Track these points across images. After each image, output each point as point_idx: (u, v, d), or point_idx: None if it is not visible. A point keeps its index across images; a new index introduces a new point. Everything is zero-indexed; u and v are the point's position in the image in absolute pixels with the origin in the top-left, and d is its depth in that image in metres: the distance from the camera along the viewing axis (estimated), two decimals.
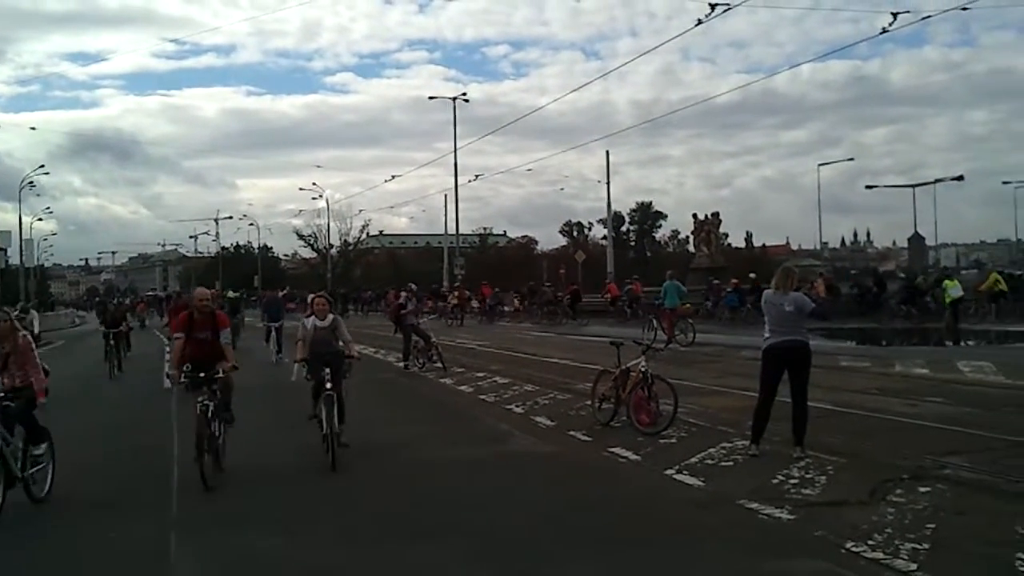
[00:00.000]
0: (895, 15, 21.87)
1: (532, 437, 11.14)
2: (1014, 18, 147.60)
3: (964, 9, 23.75)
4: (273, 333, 24.01)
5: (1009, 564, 5.68)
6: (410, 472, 9.37)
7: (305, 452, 9.90)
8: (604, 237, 68.98)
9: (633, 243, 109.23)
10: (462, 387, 16.38)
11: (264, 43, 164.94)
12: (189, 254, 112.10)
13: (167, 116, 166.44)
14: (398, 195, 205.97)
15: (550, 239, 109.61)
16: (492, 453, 10.33)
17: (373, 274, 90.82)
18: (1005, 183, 74.48)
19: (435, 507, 7.86)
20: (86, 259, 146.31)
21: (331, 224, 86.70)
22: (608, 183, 55.22)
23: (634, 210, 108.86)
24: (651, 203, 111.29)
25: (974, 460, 8.71)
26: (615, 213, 75.00)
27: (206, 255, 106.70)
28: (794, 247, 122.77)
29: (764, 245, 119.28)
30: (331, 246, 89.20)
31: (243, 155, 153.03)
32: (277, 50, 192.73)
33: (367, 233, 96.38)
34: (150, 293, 69.40)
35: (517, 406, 13.53)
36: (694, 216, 48.44)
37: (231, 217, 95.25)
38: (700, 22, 24.71)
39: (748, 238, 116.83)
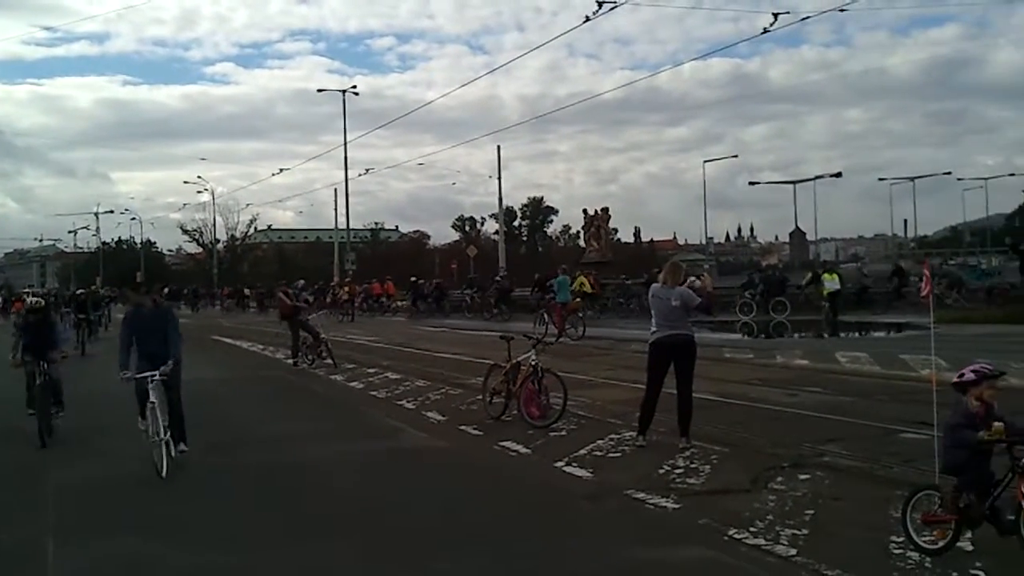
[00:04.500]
0: (776, 15, 22.46)
1: (423, 432, 11.09)
2: (887, 19, 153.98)
3: (842, 10, 24.52)
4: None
5: (883, 547, 5.89)
6: (298, 470, 9.20)
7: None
8: (496, 232, 69.08)
9: (525, 238, 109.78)
10: (353, 383, 16.21)
11: (140, 31, 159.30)
12: (68, 250, 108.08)
13: (38, 106, 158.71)
14: (284, 189, 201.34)
15: (441, 234, 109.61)
16: (383, 449, 10.25)
17: (261, 270, 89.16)
18: (881, 179, 78.01)
19: (323, 505, 7.76)
20: None
21: (216, 218, 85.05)
22: (499, 178, 55.39)
23: (526, 205, 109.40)
24: (542, 198, 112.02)
25: (851, 447, 9.03)
26: (507, 208, 75.19)
27: (86, 250, 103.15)
28: (681, 242, 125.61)
29: (652, 240, 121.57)
30: (217, 241, 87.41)
31: (118, 147, 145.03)
32: (153, 39, 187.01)
33: (255, 228, 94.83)
34: (27, 290, 66.33)
35: (408, 401, 13.46)
36: (584, 211, 49.11)
37: (112, 211, 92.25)
38: (588, 19, 24.96)
39: (636, 233, 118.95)
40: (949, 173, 75.88)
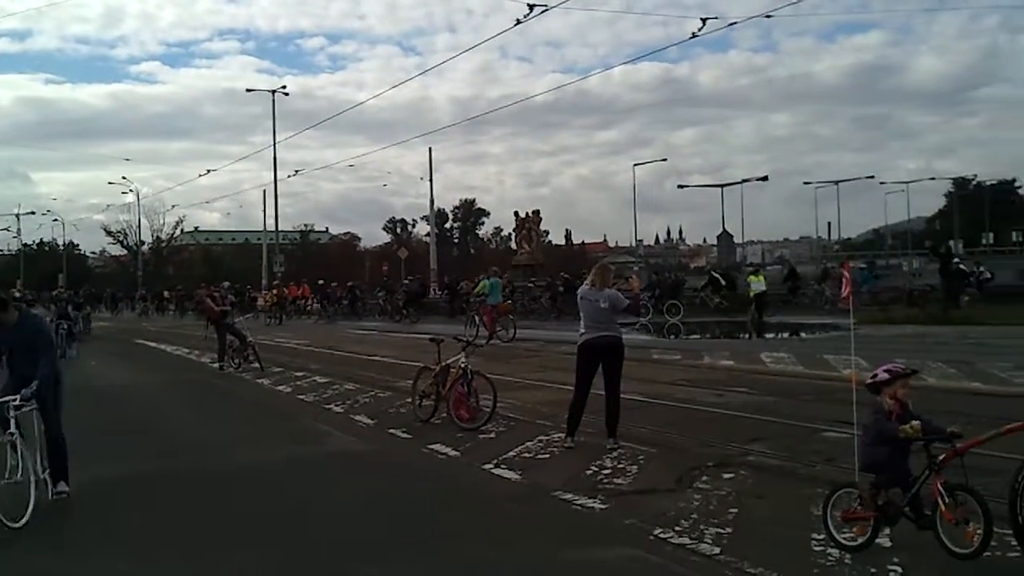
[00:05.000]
0: (704, 20, 22.67)
1: (352, 436, 10.99)
2: (813, 25, 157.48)
3: (768, 16, 24.96)
4: None
5: (804, 544, 5.99)
6: (223, 476, 9.03)
7: (101, 460, 9.38)
8: (428, 234, 68.87)
9: (457, 240, 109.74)
10: (280, 387, 15.99)
11: (63, 29, 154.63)
12: None
13: None
14: (212, 190, 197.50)
15: (372, 236, 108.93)
16: (310, 453, 10.11)
17: (187, 272, 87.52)
18: (806, 183, 79.67)
19: (248, 512, 7.62)
20: None
21: (141, 220, 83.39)
22: (431, 180, 55.28)
23: (457, 207, 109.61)
24: (474, 200, 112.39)
25: (774, 446, 9.19)
26: (438, 210, 75.04)
27: (6, 252, 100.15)
28: (611, 244, 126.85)
29: (583, 242, 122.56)
30: (142, 243, 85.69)
31: (39, 147, 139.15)
32: (77, 36, 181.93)
33: (181, 229, 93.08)
34: None
35: (337, 405, 13.33)
36: (516, 214, 49.27)
37: (33, 213, 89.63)
38: (519, 22, 24.86)
39: (567, 235, 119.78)
40: (872, 177, 77.65)
